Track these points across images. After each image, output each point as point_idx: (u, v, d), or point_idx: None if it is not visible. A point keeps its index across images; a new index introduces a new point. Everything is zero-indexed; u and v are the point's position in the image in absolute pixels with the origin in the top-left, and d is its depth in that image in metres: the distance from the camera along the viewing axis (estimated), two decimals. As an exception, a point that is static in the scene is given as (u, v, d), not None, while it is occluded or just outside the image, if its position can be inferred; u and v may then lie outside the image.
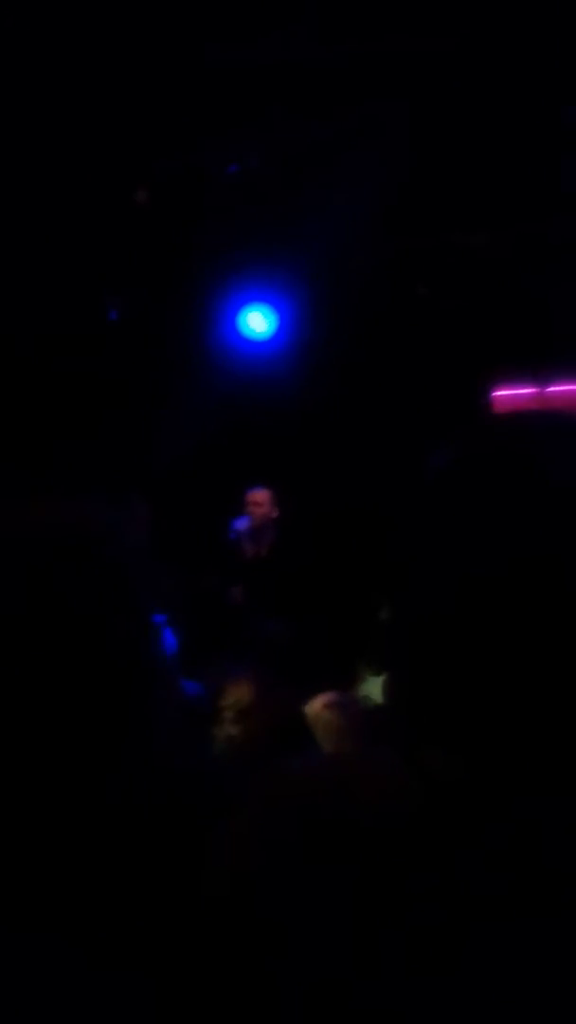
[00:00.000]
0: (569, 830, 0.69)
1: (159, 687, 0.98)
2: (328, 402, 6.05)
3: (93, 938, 0.84)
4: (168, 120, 4.82)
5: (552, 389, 6.23)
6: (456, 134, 4.87)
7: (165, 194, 5.35)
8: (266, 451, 5.94)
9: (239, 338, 6.07)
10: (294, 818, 0.73)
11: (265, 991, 0.70)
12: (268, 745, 2.35)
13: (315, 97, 4.73)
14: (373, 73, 4.59)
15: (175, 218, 5.40)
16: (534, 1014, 0.66)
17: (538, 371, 6.11)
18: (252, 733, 2.39)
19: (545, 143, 4.92)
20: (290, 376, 6.02)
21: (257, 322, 6.01)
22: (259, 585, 5.57)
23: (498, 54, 4.52)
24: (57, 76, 4.38)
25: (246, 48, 4.42)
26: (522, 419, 0.80)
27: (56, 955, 0.83)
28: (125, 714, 0.89)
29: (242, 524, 5.87)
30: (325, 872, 0.70)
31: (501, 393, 6.26)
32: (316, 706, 2.69)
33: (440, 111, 4.80)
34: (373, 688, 3.51)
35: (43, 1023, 0.80)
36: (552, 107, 4.78)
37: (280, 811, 0.74)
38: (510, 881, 0.68)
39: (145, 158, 5.17)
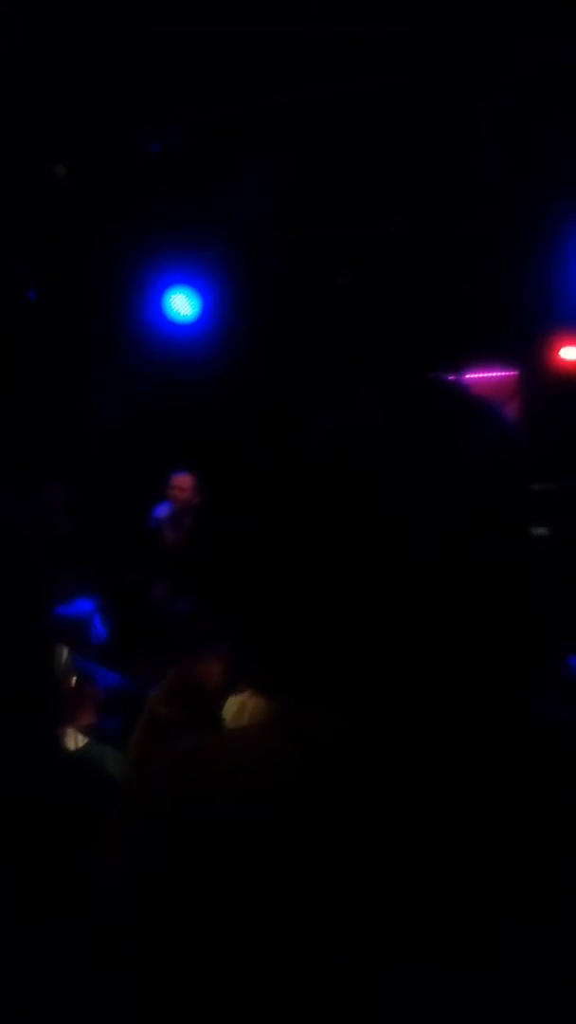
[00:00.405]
0: (451, 785, 0.68)
1: (45, 683, 0.98)
2: (252, 386, 6.03)
3: None
4: (90, 97, 4.71)
5: (468, 376, 6.32)
6: (377, 122, 4.89)
7: (87, 172, 5.23)
8: (190, 435, 5.89)
9: (163, 320, 5.99)
10: (161, 803, 0.71)
11: (148, 980, 0.68)
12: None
13: (238, 79, 4.68)
14: (295, 57, 4.57)
15: (97, 197, 5.29)
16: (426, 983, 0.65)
17: (454, 358, 6.20)
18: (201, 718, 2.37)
19: (463, 135, 4.97)
20: (214, 359, 5.97)
21: (181, 304, 5.94)
22: (179, 573, 5.53)
23: (420, 43, 4.54)
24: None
25: (174, 25, 4.34)
26: (419, 383, 0.80)
27: None
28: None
29: (163, 511, 5.81)
30: (193, 857, 0.68)
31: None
32: (246, 692, 2.68)
33: (363, 97, 4.80)
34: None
35: None
36: (469, 103, 4.84)
37: (148, 795, 0.73)
38: (396, 847, 0.67)
39: (66, 134, 5.04)
